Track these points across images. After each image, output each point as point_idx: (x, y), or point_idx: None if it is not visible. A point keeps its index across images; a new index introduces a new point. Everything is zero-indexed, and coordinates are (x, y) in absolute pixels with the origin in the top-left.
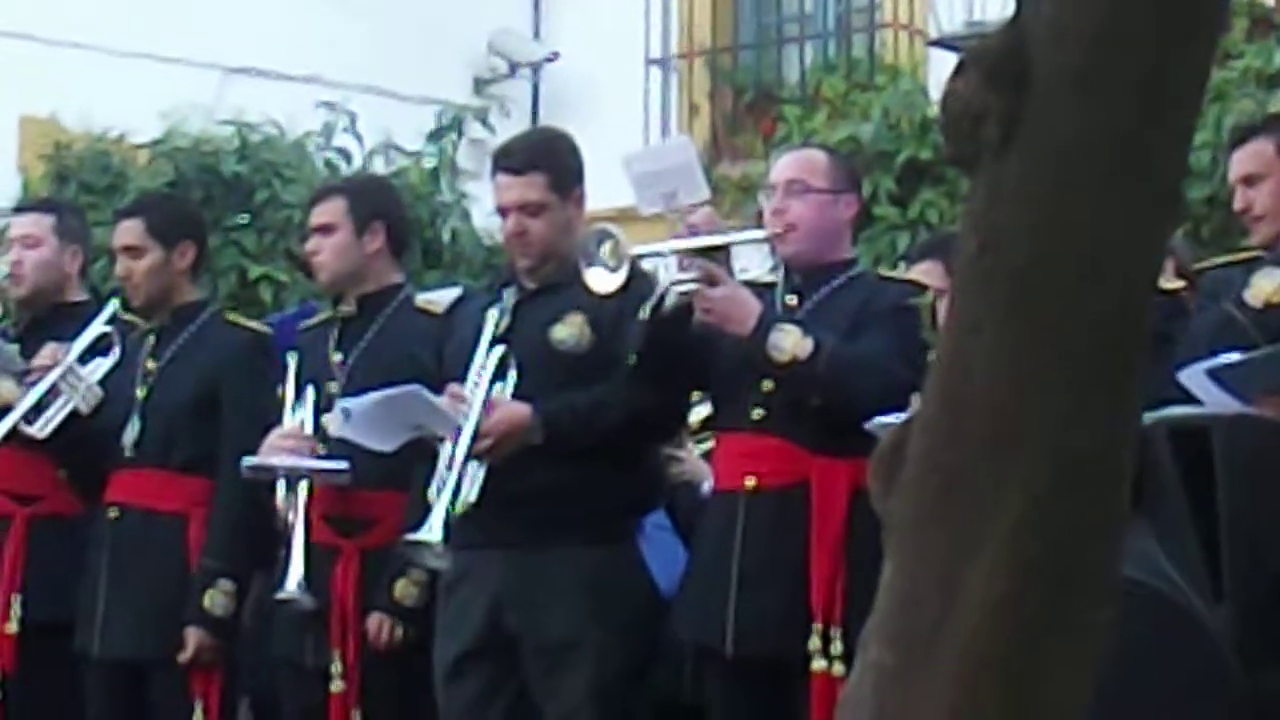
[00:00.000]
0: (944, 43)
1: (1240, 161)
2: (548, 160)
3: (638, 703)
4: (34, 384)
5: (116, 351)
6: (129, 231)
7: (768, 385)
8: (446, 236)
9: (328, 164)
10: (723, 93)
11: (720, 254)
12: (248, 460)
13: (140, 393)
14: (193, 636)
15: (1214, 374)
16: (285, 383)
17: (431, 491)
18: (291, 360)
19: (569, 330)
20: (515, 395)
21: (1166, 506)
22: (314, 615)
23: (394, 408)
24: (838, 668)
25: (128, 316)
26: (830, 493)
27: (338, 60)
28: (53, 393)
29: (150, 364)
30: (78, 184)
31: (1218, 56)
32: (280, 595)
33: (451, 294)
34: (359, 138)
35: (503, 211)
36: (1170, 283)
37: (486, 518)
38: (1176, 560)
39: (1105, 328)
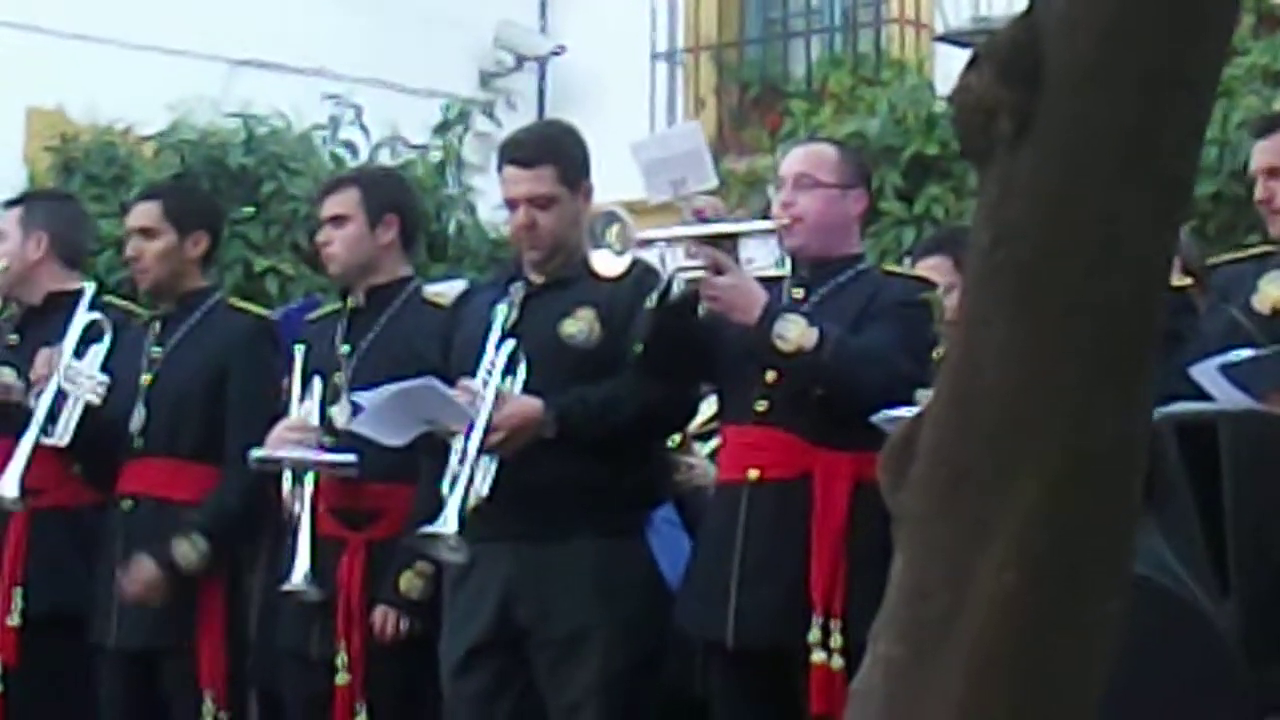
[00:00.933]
0: (950, 38)
1: (1263, 152)
2: (556, 153)
3: (646, 695)
4: (39, 395)
5: (109, 334)
6: (145, 213)
7: (771, 377)
8: (452, 229)
9: (334, 157)
10: (728, 87)
11: (727, 243)
12: (255, 452)
13: (145, 380)
14: (146, 569)
15: (1226, 370)
16: (292, 374)
17: (444, 485)
18: (299, 352)
19: (579, 325)
20: (524, 390)
21: (1173, 502)
22: (320, 607)
23: (407, 401)
24: (837, 660)
25: (123, 304)
26: (832, 485)
27: (344, 53)
28: (60, 396)
29: (155, 351)
30: (84, 176)
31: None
32: (286, 587)
33: (457, 287)
34: (365, 131)
35: (511, 204)
36: (1177, 280)
37: (496, 511)
38: (1182, 556)
39: (1116, 322)
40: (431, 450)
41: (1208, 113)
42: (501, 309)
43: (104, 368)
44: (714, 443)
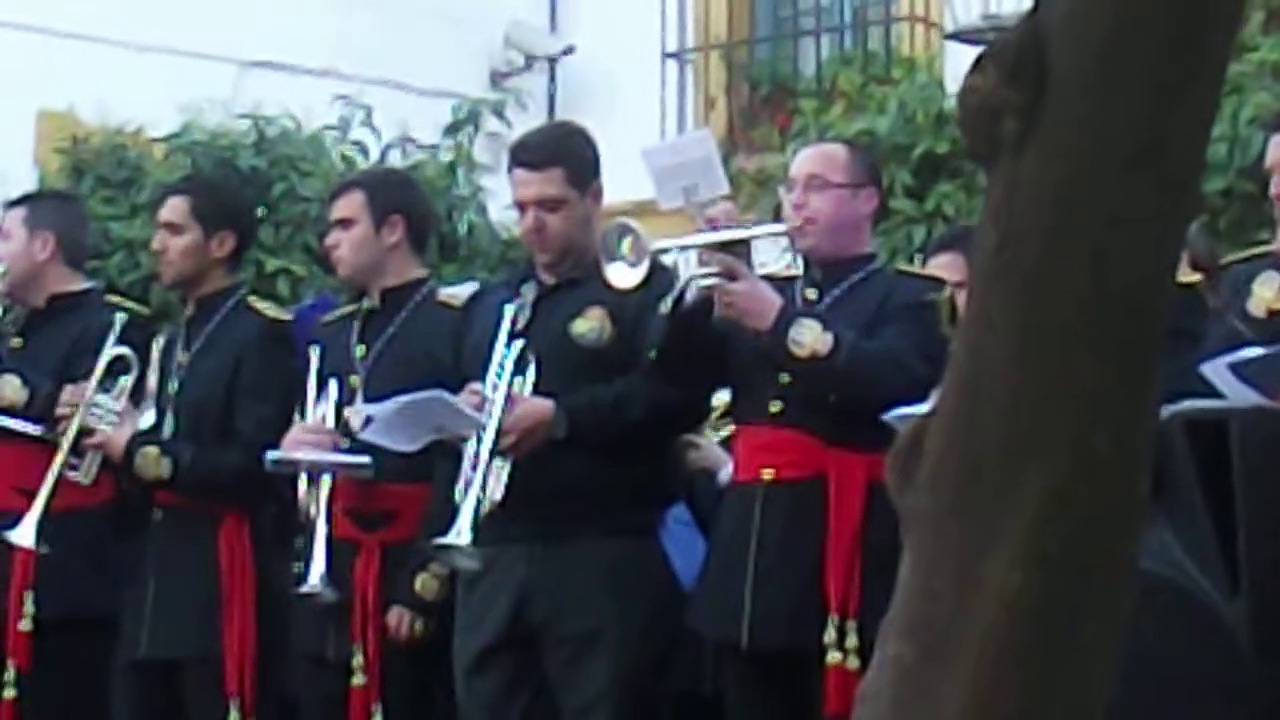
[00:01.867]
0: (960, 36)
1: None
2: (565, 155)
3: (658, 695)
4: (64, 432)
5: (136, 368)
6: (174, 208)
7: (786, 378)
8: (463, 230)
9: (344, 158)
10: (739, 86)
11: (740, 249)
12: (271, 454)
13: (172, 387)
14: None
15: (1236, 368)
16: (307, 376)
17: (458, 491)
18: (314, 354)
19: (590, 324)
20: (535, 390)
21: (1183, 499)
22: (335, 609)
23: (416, 412)
24: (853, 661)
25: (133, 306)
26: (847, 486)
27: (354, 54)
28: (87, 432)
29: (182, 356)
30: (94, 178)
31: (1234, 49)
32: (303, 589)
33: (469, 289)
34: (375, 131)
35: (521, 207)
36: (1186, 276)
37: (508, 512)
38: (1193, 553)
39: (1123, 322)
40: (446, 453)
41: (1214, 111)
42: (510, 310)
43: (132, 395)
44: (725, 431)
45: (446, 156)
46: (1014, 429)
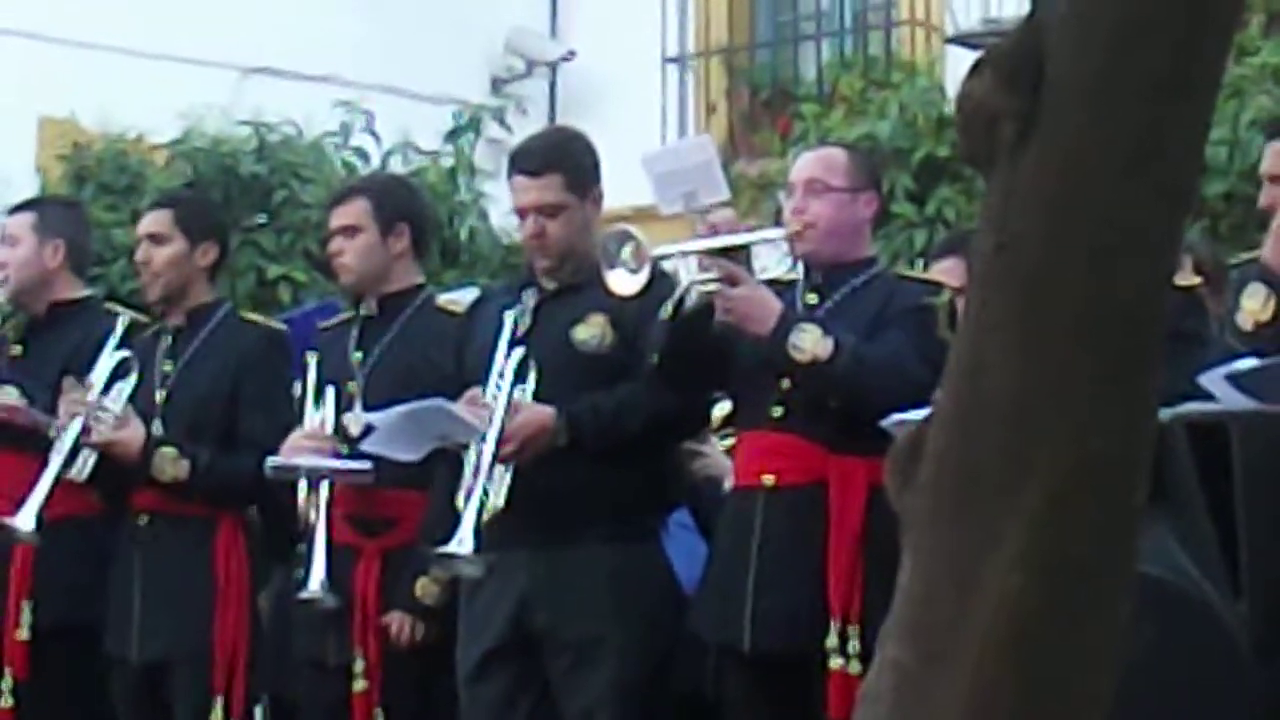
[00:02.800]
0: (961, 40)
1: (1277, 154)
2: (564, 161)
3: (660, 700)
4: (63, 430)
5: (136, 371)
6: (157, 220)
7: (787, 383)
8: (464, 236)
9: (345, 164)
10: (739, 91)
11: (740, 254)
12: (271, 460)
13: (159, 396)
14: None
15: (1234, 379)
16: (305, 383)
17: (459, 498)
18: (312, 360)
19: (591, 330)
20: (536, 397)
21: (1184, 502)
22: (336, 614)
23: (418, 421)
24: (855, 665)
25: (134, 314)
26: (848, 491)
27: (355, 60)
28: (84, 432)
29: (167, 366)
30: (96, 184)
31: (1234, 53)
32: (303, 595)
33: (471, 294)
34: (377, 137)
35: (520, 213)
36: (1187, 279)
37: (510, 518)
38: (1194, 556)
39: (1121, 326)
40: (447, 460)
41: (1211, 115)
42: (511, 316)
43: (130, 400)
44: (731, 440)
45: (447, 162)
46: (1013, 432)
